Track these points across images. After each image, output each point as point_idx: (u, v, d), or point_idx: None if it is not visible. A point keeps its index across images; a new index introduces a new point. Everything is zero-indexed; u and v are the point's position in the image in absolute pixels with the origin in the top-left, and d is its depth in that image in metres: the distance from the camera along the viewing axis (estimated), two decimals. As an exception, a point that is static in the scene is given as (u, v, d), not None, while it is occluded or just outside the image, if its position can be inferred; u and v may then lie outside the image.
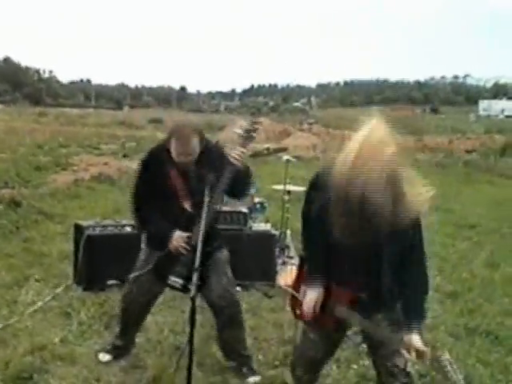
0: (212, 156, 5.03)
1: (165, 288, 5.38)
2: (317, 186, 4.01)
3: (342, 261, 4.02)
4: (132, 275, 5.46)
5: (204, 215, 4.53)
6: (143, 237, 5.54)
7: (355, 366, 5.64)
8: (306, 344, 4.46)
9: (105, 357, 5.69)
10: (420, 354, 3.73)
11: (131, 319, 5.67)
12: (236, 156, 4.79)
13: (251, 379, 5.43)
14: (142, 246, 5.53)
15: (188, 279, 4.76)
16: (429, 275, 4.17)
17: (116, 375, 5.30)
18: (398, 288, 4.01)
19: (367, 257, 3.88)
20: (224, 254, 5.36)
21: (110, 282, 7.49)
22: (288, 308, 4.72)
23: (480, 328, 6.78)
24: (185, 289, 4.95)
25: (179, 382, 4.71)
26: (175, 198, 5.06)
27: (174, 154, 4.96)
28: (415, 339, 3.77)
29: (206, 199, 4.63)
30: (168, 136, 5.04)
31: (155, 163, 5.16)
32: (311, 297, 4.18)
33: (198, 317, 4.64)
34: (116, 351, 5.73)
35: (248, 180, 5.15)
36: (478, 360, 5.97)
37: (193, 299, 4.22)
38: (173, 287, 5.09)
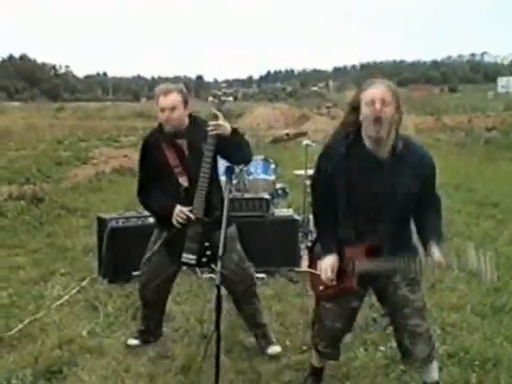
0: (203, 130, 5.12)
1: (179, 267, 5.41)
2: (329, 152, 4.34)
3: (354, 218, 4.23)
4: (144, 258, 5.49)
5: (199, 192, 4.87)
6: (155, 218, 5.62)
7: (383, 348, 5.62)
8: (325, 316, 4.54)
9: (132, 341, 5.79)
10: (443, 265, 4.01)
11: (149, 302, 5.70)
12: (212, 125, 4.96)
13: (270, 349, 5.54)
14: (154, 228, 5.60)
15: (200, 253, 4.93)
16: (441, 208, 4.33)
17: (145, 365, 5.32)
18: (415, 222, 4.29)
19: (381, 208, 4.14)
20: (232, 230, 5.37)
21: (135, 273, 7.49)
22: (309, 289, 4.82)
23: (506, 307, 6.72)
24: (199, 263, 5.10)
25: (208, 371, 4.70)
26: (171, 174, 5.18)
27: (159, 114, 5.20)
28: (435, 253, 4.01)
29: (202, 171, 4.94)
30: (155, 98, 5.23)
31: (151, 146, 5.36)
32: (327, 262, 4.32)
33: (224, 304, 4.65)
34: (142, 336, 5.80)
35: (239, 143, 5.17)
36: (506, 338, 5.92)
37: (218, 287, 4.24)
38: (187, 264, 5.15)
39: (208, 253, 4.98)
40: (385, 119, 3.93)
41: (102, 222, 7.86)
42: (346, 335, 4.80)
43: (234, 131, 5.09)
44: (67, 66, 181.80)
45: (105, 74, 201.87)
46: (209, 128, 4.96)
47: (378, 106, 3.92)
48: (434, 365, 4.57)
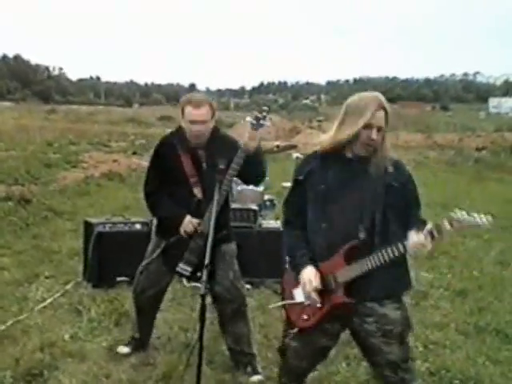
0: (224, 144, 5.09)
1: (173, 277, 5.40)
2: (302, 163, 4.35)
3: (326, 230, 4.03)
4: (141, 266, 5.47)
5: (214, 207, 4.57)
6: (153, 226, 5.57)
7: (365, 364, 5.62)
8: (290, 356, 4.36)
9: (123, 349, 5.72)
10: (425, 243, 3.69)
11: (143, 310, 5.68)
12: (247, 140, 4.82)
13: (254, 378, 5.39)
14: (152, 236, 5.56)
15: (197, 267, 4.84)
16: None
17: (126, 372, 5.30)
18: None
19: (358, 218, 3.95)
20: (232, 247, 5.38)
21: (120, 278, 7.50)
22: (287, 329, 4.43)
23: (490, 326, 6.76)
24: (192, 277, 5.04)
25: (189, 380, 4.70)
26: (186, 183, 5.11)
27: (187, 128, 5.06)
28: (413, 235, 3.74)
29: (217, 188, 4.67)
30: (181, 106, 5.08)
31: (167, 148, 5.24)
32: (307, 272, 4.06)
33: (208, 314, 4.64)
34: (134, 343, 5.76)
35: (260, 164, 5.10)
36: (488, 358, 5.95)
37: (203, 296, 4.23)
38: (181, 275, 5.13)
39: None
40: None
41: (88, 226, 7.84)
42: (312, 372, 4.70)
43: (258, 151, 4.98)
44: (61, 69, 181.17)
45: (98, 78, 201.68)
46: (243, 140, 4.84)
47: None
48: None
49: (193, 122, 5.00)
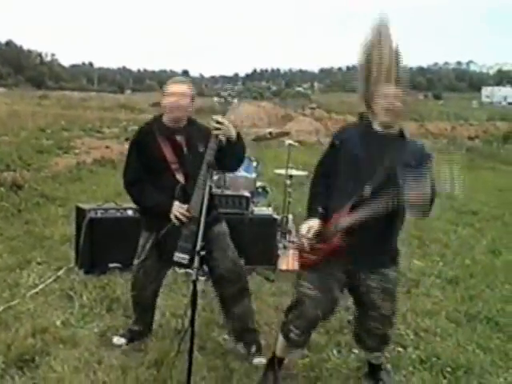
0: (200, 131, 5.18)
1: (171, 267, 5.40)
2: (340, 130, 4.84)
3: (349, 193, 4.43)
4: (135, 262, 5.46)
5: (206, 190, 4.71)
6: (141, 220, 5.54)
7: (356, 351, 5.63)
8: (309, 304, 4.57)
9: (119, 340, 5.68)
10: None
11: (144, 307, 5.71)
12: (215, 127, 4.89)
13: (257, 360, 5.38)
14: (141, 230, 5.53)
15: (193, 253, 4.76)
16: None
17: (117, 358, 5.30)
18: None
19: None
20: (223, 227, 5.39)
21: (112, 265, 7.49)
22: (298, 266, 4.81)
23: (481, 314, 6.79)
24: (191, 264, 4.86)
25: (180, 366, 4.70)
26: (168, 170, 5.11)
27: (166, 100, 5.13)
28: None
29: (202, 174, 4.82)
30: (163, 91, 5.21)
31: (146, 136, 5.25)
32: (308, 222, 4.53)
33: (200, 301, 4.66)
34: (131, 335, 5.73)
35: (236, 151, 5.15)
36: (479, 346, 5.98)
37: (194, 282, 4.23)
38: (179, 264, 5.07)
39: (202, 253, 4.94)
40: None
41: (80, 212, 7.82)
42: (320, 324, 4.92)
43: (238, 136, 5.05)
44: (53, 54, 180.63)
45: (91, 64, 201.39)
46: (212, 128, 4.89)
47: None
48: (381, 355, 5.03)
49: (171, 95, 5.08)
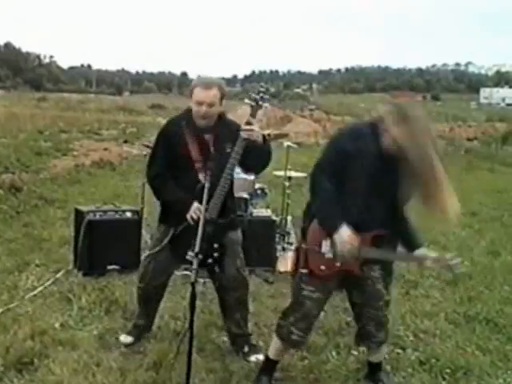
0: (230, 130, 5.09)
1: (181, 265, 5.39)
2: (354, 133, 4.57)
3: (361, 208, 4.42)
4: (147, 253, 5.46)
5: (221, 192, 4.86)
6: (160, 213, 5.49)
7: (355, 352, 5.63)
8: (311, 307, 4.66)
9: (127, 338, 5.68)
10: (436, 260, 4.45)
11: (151, 299, 5.71)
12: (245, 130, 4.83)
13: (253, 357, 5.43)
14: (157, 224, 5.54)
15: (206, 254, 4.76)
16: None
17: (116, 360, 5.29)
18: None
19: (388, 203, 4.40)
20: (238, 235, 5.42)
21: (111, 267, 7.49)
22: (303, 269, 4.66)
23: (480, 316, 6.78)
24: (203, 264, 4.87)
25: (179, 368, 4.71)
26: (191, 168, 5.07)
27: (194, 110, 5.05)
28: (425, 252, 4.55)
29: (227, 172, 4.88)
30: (191, 88, 5.11)
31: (174, 131, 5.20)
32: (347, 231, 4.38)
33: (199, 303, 4.66)
34: (138, 331, 5.73)
35: (262, 154, 5.10)
36: (478, 347, 5.97)
37: (193, 284, 4.22)
38: (191, 263, 5.06)
39: (215, 254, 4.91)
40: None
41: (79, 215, 7.81)
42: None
43: (265, 139, 5.02)
44: (51, 57, 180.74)
45: (89, 66, 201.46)
46: (242, 132, 4.84)
47: None
48: (384, 347, 5.01)
49: (200, 103, 4.99)
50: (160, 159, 5.24)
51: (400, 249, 4.56)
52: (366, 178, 4.35)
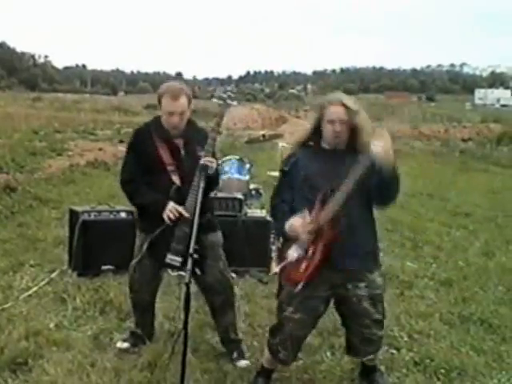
0: (199, 132, 5.23)
1: (165, 269, 5.39)
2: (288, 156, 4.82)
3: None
4: (132, 263, 5.45)
5: (199, 194, 4.79)
6: (137, 221, 5.54)
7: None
8: (293, 328, 4.64)
9: (123, 344, 5.65)
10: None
11: (143, 307, 5.70)
12: (207, 162, 4.91)
13: (241, 363, 5.42)
14: (137, 231, 5.51)
15: (186, 255, 4.71)
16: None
17: (111, 360, 5.29)
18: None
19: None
20: (218, 237, 5.41)
21: (105, 267, 7.48)
22: (286, 283, 4.71)
23: (474, 316, 6.79)
24: (183, 266, 4.81)
25: (174, 368, 4.71)
26: (164, 171, 5.11)
27: (165, 118, 5.11)
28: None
29: (196, 179, 4.87)
30: (158, 96, 5.14)
31: (144, 138, 5.25)
32: (294, 219, 4.48)
33: (193, 303, 4.65)
34: (133, 340, 5.69)
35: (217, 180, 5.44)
36: (472, 348, 5.98)
37: (187, 285, 4.23)
38: (172, 266, 5.06)
39: (195, 256, 4.92)
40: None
41: (74, 215, 7.81)
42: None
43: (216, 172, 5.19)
44: (46, 56, 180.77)
45: (84, 66, 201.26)
46: (204, 160, 4.90)
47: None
48: (376, 357, 5.04)
49: (171, 114, 5.04)
50: (131, 166, 5.30)
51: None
52: (304, 184, 4.57)
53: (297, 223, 4.43)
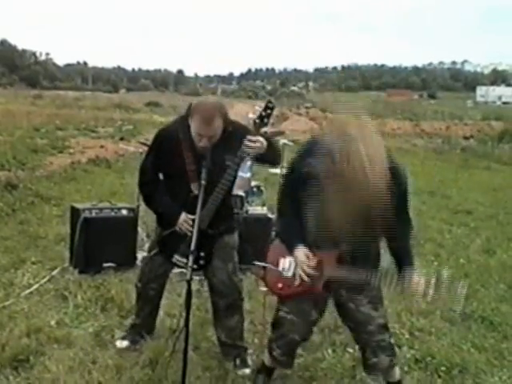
0: (232, 141, 4.77)
1: (172, 267, 5.37)
2: (311, 153, 4.14)
3: (326, 226, 4.06)
4: (145, 256, 5.43)
5: (200, 198, 4.63)
6: (156, 215, 5.42)
7: (351, 350, 5.62)
8: (285, 327, 4.54)
9: (122, 343, 5.62)
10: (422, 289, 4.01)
11: (148, 300, 5.63)
12: (248, 146, 4.61)
13: (240, 371, 5.27)
14: (155, 225, 5.48)
15: (193, 260, 4.70)
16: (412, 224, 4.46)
17: (112, 358, 5.28)
18: (387, 237, 4.26)
19: (354, 222, 3.94)
20: (233, 238, 5.31)
21: (106, 264, 7.48)
22: (263, 287, 4.81)
23: (475, 314, 6.79)
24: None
25: (175, 365, 4.71)
26: (184, 178, 4.89)
27: (194, 135, 4.79)
28: (416, 278, 4.04)
29: (223, 183, 4.79)
30: (189, 114, 4.81)
31: (170, 140, 4.98)
32: (303, 253, 4.24)
33: (194, 300, 4.65)
34: (133, 335, 5.66)
35: (273, 153, 5.01)
36: (474, 345, 5.99)
37: (189, 282, 4.22)
38: (177, 265, 5.09)
39: (201, 262, 4.86)
40: None
41: (75, 212, 7.80)
42: (301, 345, 4.86)
43: (269, 144, 4.78)
44: (47, 54, 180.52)
45: (85, 63, 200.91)
46: (245, 147, 4.60)
47: None
48: (396, 369, 4.60)
49: (200, 136, 4.75)
50: (152, 167, 5.12)
51: (387, 264, 4.26)
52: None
53: (303, 257, 4.21)
